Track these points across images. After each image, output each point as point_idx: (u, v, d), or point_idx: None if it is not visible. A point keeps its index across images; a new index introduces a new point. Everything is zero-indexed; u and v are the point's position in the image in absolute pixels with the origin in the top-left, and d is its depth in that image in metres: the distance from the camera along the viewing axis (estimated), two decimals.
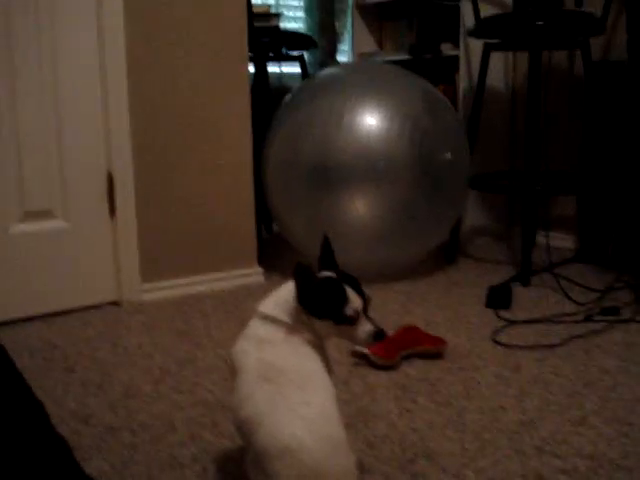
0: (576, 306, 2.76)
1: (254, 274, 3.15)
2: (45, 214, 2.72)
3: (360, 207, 2.90)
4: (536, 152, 3.18)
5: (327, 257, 1.52)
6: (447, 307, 2.81)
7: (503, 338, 2.47)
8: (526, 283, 3.07)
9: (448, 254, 3.49)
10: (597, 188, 3.42)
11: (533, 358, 2.31)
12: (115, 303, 2.87)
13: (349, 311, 1.43)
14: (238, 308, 2.81)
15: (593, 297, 2.80)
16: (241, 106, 3.04)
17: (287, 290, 1.47)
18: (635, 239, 3.03)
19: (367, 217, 2.90)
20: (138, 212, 2.86)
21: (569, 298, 2.84)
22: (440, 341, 2.33)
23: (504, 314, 2.70)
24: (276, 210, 3.21)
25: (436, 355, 2.31)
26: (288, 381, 1.39)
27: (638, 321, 2.60)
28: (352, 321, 1.44)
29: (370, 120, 2.88)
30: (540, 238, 3.45)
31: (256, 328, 1.48)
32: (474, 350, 2.38)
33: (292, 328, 1.45)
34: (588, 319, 2.63)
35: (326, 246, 1.53)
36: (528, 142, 3.19)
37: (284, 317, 1.45)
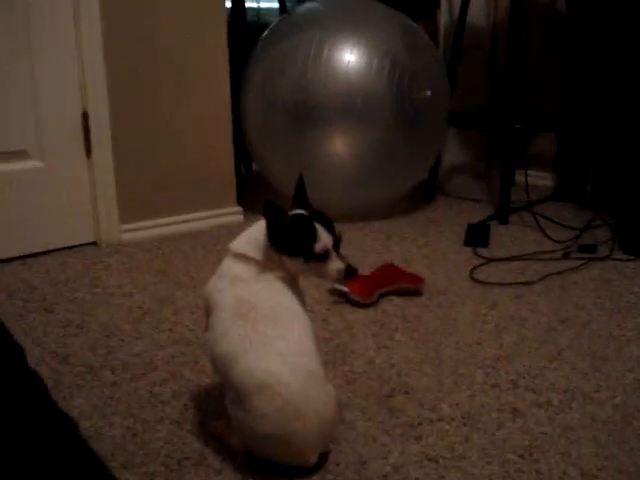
0: (554, 244, 2.78)
1: (234, 213, 3.14)
2: (20, 154, 2.67)
3: (339, 145, 2.88)
4: (516, 89, 3.16)
5: (300, 195, 1.53)
6: (425, 245, 2.82)
7: (481, 275, 2.49)
8: (504, 221, 3.09)
9: (427, 192, 3.49)
10: (577, 126, 3.41)
11: (510, 295, 2.33)
12: (94, 244, 2.86)
13: (318, 248, 1.44)
14: (217, 247, 2.80)
15: (571, 235, 2.82)
16: (218, 43, 2.99)
17: (258, 228, 1.48)
18: (613, 177, 3.04)
19: (346, 155, 2.89)
20: (115, 152, 2.82)
21: (547, 236, 2.86)
22: (418, 279, 2.35)
23: (482, 252, 2.72)
24: (255, 149, 3.19)
25: (414, 292, 2.33)
26: (263, 317, 1.41)
27: (615, 258, 2.63)
28: (322, 258, 1.44)
29: (349, 57, 2.84)
30: (519, 176, 3.44)
31: (229, 266, 1.50)
32: (452, 287, 2.40)
33: (264, 265, 1.45)
34: (565, 257, 2.65)
35: (300, 184, 1.54)
36: (508, 79, 3.16)
37: (256, 255, 1.46)
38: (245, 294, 1.44)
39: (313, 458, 1.41)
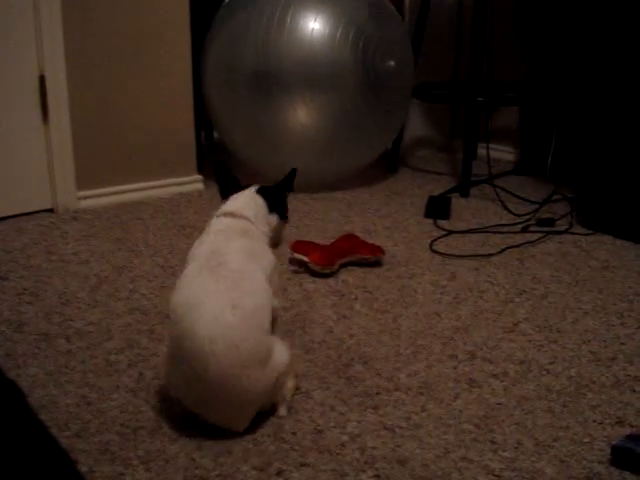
0: (513, 217, 2.80)
1: (194, 182, 3.10)
2: None
3: (302, 114, 2.86)
4: (480, 62, 3.16)
5: (287, 182, 1.72)
6: (387, 216, 2.82)
7: (441, 247, 2.50)
8: (465, 194, 3.10)
9: (390, 164, 3.48)
10: (540, 101, 3.42)
11: (469, 267, 2.34)
12: (50, 210, 2.80)
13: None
14: (177, 216, 2.77)
15: (531, 209, 2.84)
16: (180, 8, 2.93)
17: (250, 193, 1.66)
18: (574, 152, 3.06)
19: (309, 125, 2.87)
20: (72, 117, 2.76)
21: (507, 209, 2.88)
22: (378, 249, 2.35)
23: (443, 224, 2.72)
24: (216, 117, 3.15)
25: (374, 263, 2.33)
26: (227, 275, 1.45)
27: (573, 232, 2.65)
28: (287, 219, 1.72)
29: (313, 24, 2.81)
30: (481, 150, 3.45)
31: (219, 223, 1.60)
32: (412, 259, 2.40)
33: (253, 223, 1.61)
34: (524, 230, 2.67)
35: (290, 176, 1.72)
36: (473, 52, 3.16)
37: (249, 215, 1.61)
38: (222, 247, 1.52)
39: (212, 417, 1.44)
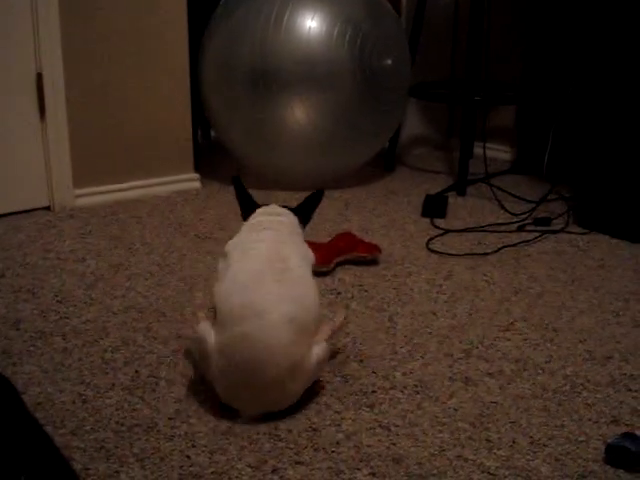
0: (510, 216, 2.80)
1: (190, 180, 3.10)
2: None
3: (299, 113, 2.86)
4: (478, 61, 3.16)
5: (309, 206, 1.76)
6: (384, 215, 2.82)
7: (437, 246, 2.50)
8: (462, 193, 3.10)
9: (387, 163, 3.48)
10: (537, 100, 3.42)
11: (465, 266, 2.35)
12: (47, 208, 2.80)
13: None
14: (173, 214, 2.77)
15: (527, 208, 2.84)
16: (177, 6, 2.93)
17: (277, 206, 1.73)
18: (571, 151, 3.06)
19: (306, 123, 2.87)
20: (70, 115, 2.76)
21: (503, 208, 2.88)
22: (375, 248, 2.35)
23: (439, 223, 2.72)
24: (213, 115, 3.15)
25: (371, 262, 2.33)
26: (293, 282, 1.52)
27: (569, 232, 2.66)
28: None
29: (310, 23, 2.81)
30: (478, 149, 3.45)
31: (264, 221, 1.66)
32: (408, 257, 2.41)
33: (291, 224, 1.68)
34: (521, 229, 2.67)
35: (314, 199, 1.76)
36: (470, 51, 3.16)
37: (289, 218, 1.69)
38: (283, 249, 1.57)
39: (239, 405, 1.50)
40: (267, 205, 1.75)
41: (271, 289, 1.49)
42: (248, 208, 1.73)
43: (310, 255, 1.66)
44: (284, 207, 1.73)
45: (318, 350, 1.53)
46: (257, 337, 1.44)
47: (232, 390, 1.50)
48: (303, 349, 1.49)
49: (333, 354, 1.73)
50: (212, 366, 1.50)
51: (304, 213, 1.74)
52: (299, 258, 1.58)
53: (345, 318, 1.80)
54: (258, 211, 1.72)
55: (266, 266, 1.52)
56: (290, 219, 1.70)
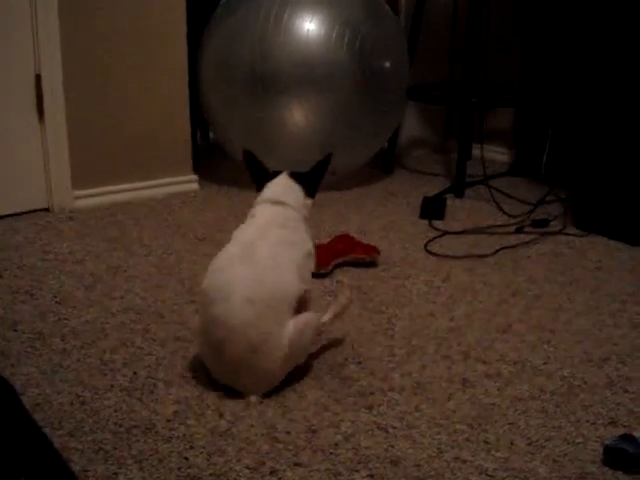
0: (508, 218, 2.81)
1: (189, 182, 3.10)
2: None
3: (298, 114, 2.86)
4: (476, 64, 3.16)
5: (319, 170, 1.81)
6: (382, 217, 2.82)
7: (435, 248, 2.50)
8: (460, 195, 3.11)
9: (385, 165, 3.49)
10: (534, 102, 3.43)
11: (463, 268, 2.35)
12: (46, 210, 2.80)
13: None
14: (172, 216, 2.77)
15: (525, 210, 2.85)
16: (176, 6, 2.93)
17: (286, 181, 1.76)
18: (569, 154, 3.07)
19: (305, 124, 2.87)
20: (69, 116, 2.76)
21: (501, 210, 2.88)
22: (373, 250, 2.36)
23: (437, 224, 2.73)
24: (212, 116, 3.15)
25: (369, 263, 2.33)
26: (256, 265, 1.59)
27: (567, 233, 2.66)
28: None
29: (309, 25, 2.82)
30: (476, 151, 3.46)
31: (262, 210, 1.72)
32: (407, 259, 2.41)
33: (294, 209, 1.73)
34: (519, 231, 2.68)
35: (324, 163, 1.81)
36: (468, 53, 3.16)
37: (290, 201, 1.73)
38: (259, 238, 1.64)
39: (224, 379, 1.60)
40: (279, 174, 1.78)
41: (236, 272, 1.59)
42: (260, 179, 1.79)
43: (304, 243, 1.71)
44: (294, 175, 1.78)
45: (291, 329, 1.58)
46: (222, 318, 1.55)
47: (215, 368, 1.62)
48: (267, 328, 1.55)
49: (319, 334, 1.77)
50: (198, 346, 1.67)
51: (310, 183, 1.79)
52: (274, 246, 1.64)
53: (349, 299, 1.82)
54: (266, 190, 1.76)
55: (238, 251, 1.63)
56: (287, 212, 1.73)
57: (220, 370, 1.61)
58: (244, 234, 1.69)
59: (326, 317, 1.75)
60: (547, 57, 3.34)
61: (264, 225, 1.69)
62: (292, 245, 1.68)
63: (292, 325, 1.58)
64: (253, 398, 1.58)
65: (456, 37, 3.75)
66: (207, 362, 1.64)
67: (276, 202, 1.73)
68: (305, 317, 1.63)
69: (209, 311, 1.58)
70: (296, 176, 1.78)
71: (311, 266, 1.73)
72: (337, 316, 1.79)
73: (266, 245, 1.63)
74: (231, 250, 1.65)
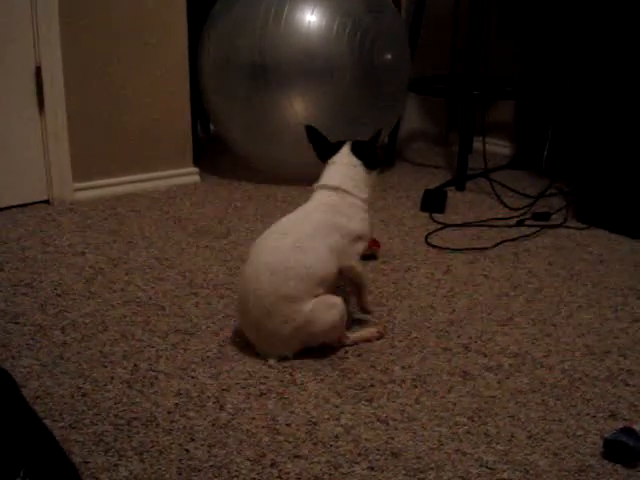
0: (509, 211, 2.80)
1: (189, 174, 3.10)
2: None
3: (298, 107, 2.86)
4: (477, 56, 3.15)
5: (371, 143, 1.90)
6: (383, 209, 2.82)
7: (436, 241, 2.50)
8: (461, 188, 3.10)
9: (386, 157, 3.48)
10: (536, 95, 3.42)
11: (464, 260, 2.35)
12: (46, 202, 2.80)
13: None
14: (173, 208, 2.77)
15: (526, 202, 2.85)
16: None
17: (343, 167, 1.85)
18: (570, 147, 3.07)
19: (305, 117, 2.85)
20: (69, 109, 2.76)
21: (502, 203, 2.88)
22: (374, 243, 2.35)
23: (438, 217, 2.72)
24: (213, 109, 3.15)
25: (369, 256, 2.33)
26: (286, 244, 1.72)
27: (568, 226, 2.66)
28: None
29: (310, 17, 2.81)
30: (477, 144, 3.45)
31: (317, 195, 1.84)
32: (407, 252, 2.41)
33: (351, 194, 1.82)
34: (520, 224, 2.67)
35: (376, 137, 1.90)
36: (469, 46, 3.16)
37: (348, 187, 1.82)
38: (298, 221, 1.80)
39: (262, 351, 1.72)
40: (343, 146, 1.87)
41: (269, 244, 1.74)
42: (325, 153, 1.88)
43: (351, 228, 1.79)
44: (355, 147, 1.86)
45: (311, 305, 1.68)
46: (249, 280, 1.71)
47: (242, 323, 1.78)
48: (284, 297, 1.67)
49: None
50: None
51: (371, 155, 1.87)
52: (314, 227, 1.76)
53: (379, 334, 1.86)
54: (325, 174, 1.86)
55: (278, 228, 1.78)
56: (340, 198, 1.81)
57: (245, 326, 1.76)
58: (292, 214, 1.82)
59: (352, 336, 1.80)
60: (548, 50, 3.33)
61: (313, 208, 1.81)
62: (335, 230, 1.76)
63: (314, 302, 1.69)
64: (271, 361, 1.70)
65: (458, 30, 3.74)
66: (238, 316, 1.82)
67: (332, 188, 1.83)
68: (331, 300, 1.72)
69: (243, 270, 1.76)
70: (357, 148, 1.86)
71: (358, 249, 1.82)
72: (361, 341, 1.82)
73: (305, 226, 1.76)
74: (274, 227, 1.79)
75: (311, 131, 1.89)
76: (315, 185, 1.86)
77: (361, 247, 1.84)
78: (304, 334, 1.70)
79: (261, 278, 1.68)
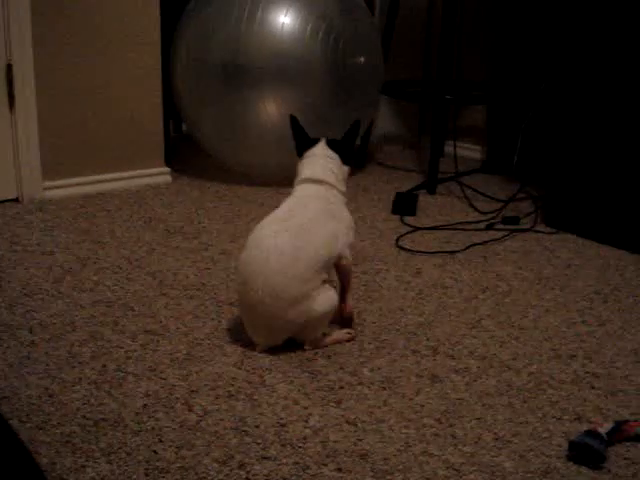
0: (479, 215, 2.82)
1: (161, 174, 3.08)
2: None
3: (271, 108, 2.86)
4: (449, 61, 3.18)
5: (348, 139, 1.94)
6: (354, 212, 2.78)
7: (406, 243, 2.52)
8: (432, 191, 3.12)
9: (358, 160, 3.49)
10: (506, 100, 3.45)
11: (434, 263, 2.36)
12: (15, 200, 2.77)
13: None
14: (143, 208, 2.76)
15: (496, 206, 2.87)
16: None
17: (323, 161, 1.88)
18: (540, 151, 3.10)
19: (278, 118, 2.86)
20: (39, 106, 2.73)
21: (473, 207, 2.90)
22: None
23: (409, 220, 2.74)
24: (185, 109, 3.13)
25: None
26: (292, 225, 1.74)
27: (537, 231, 2.69)
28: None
29: (283, 19, 2.81)
30: (449, 148, 3.48)
31: (303, 189, 1.86)
32: (378, 254, 2.42)
33: (334, 187, 1.87)
34: (489, 228, 2.70)
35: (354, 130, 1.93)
36: (442, 50, 3.18)
37: (331, 180, 1.87)
38: (299, 206, 1.81)
39: (259, 339, 1.75)
40: (318, 143, 1.90)
41: (272, 228, 1.75)
42: (301, 145, 1.92)
43: (344, 217, 1.85)
44: (330, 143, 1.91)
45: (321, 290, 1.73)
46: (251, 266, 1.71)
47: (241, 304, 1.79)
48: (290, 282, 1.68)
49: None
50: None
51: (346, 151, 1.92)
52: (315, 211, 1.79)
53: (351, 336, 1.87)
54: (305, 169, 1.88)
55: (279, 214, 1.80)
56: (327, 190, 1.85)
57: (246, 310, 1.76)
58: (285, 204, 1.83)
59: (327, 339, 1.81)
60: (518, 54, 3.36)
61: (305, 198, 1.84)
62: (332, 217, 1.81)
63: (321, 288, 1.73)
64: (258, 348, 1.75)
65: (430, 35, 3.77)
66: (239, 301, 1.81)
67: (316, 181, 1.86)
68: (330, 291, 1.77)
69: (246, 255, 1.74)
70: (333, 144, 1.91)
71: (351, 239, 1.86)
72: (332, 343, 1.82)
73: (305, 212, 1.79)
74: (272, 215, 1.80)
75: (294, 121, 1.93)
76: (298, 179, 1.88)
77: (352, 237, 1.87)
78: (304, 319, 1.72)
79: (270, 259, 1.68)
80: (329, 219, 1.80)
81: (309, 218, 1.77)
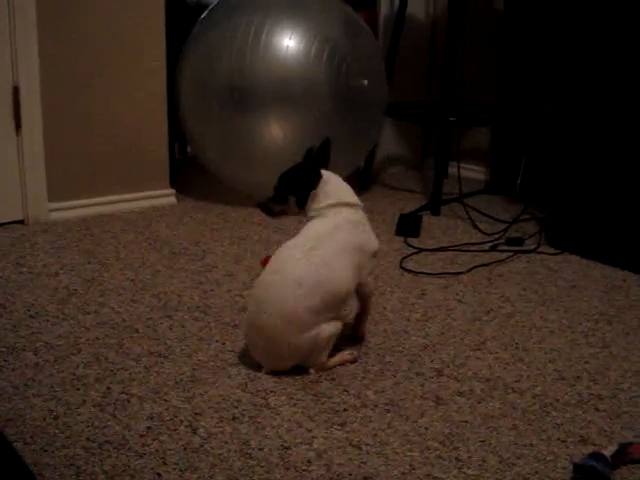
0: (483, 236, 2.83)
1: (166, 196, 3.10)
2: None
3: (275, 130, 2.87)
4: (453, 83, 3.19)
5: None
6: None
7: (410, 265, 2.52)
8: (436, 212, 3.13)
9: (362, 181, 3.50)
10: (510, 121, 3.47)
11: (438, 285, 2.37)
12: (21, 222, 2.79)
13: None
14: (148, 229, 2.77)
15: (500, 228, 2.87)
16: (155, 21, 2.94)
17: (345, 185, 1.89)
18: (544, 172, 3.10)
19: (282, 140, 2.88)
20: (46, 128, 2.76)
21: (476, 228, 2.91)
22: None
23: (413, 242, 2.75)
24: (190, 132, 3.15)
25: None
26: (315, 259, 1.73)
27: (541, 252, 2.69)
28: None
29: (288, 42, 2.83)
30: (453, 169, 3.49)
31: (340, 212, 1.82)
32: (382, 276, 2.42)
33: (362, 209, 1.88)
34: (493, 249, 2.70)
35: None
36: (445, 72, 3.20)
37: (358, 202, 1.88)
38: (326, 236, 1.78)
39: (263, 363, 1.77)
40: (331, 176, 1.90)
41: (293, 256, 1.75)
42: (313, 171, 1.89)
43: (370, 245, 1.85)
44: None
45: (327, 327, 1.73)
46: (270, 286, 1.74)
47: (248, 326, 1.79)
48: (300, 314, 1.69)
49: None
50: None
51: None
52: (336, 247, 1.77)
53: (354, 358, 1.88)
54: (332, 192, 1.85)
55: (302, 242, 1.78)
56: (358, 215, 1.85)
57: (254, 334, 1.76)
58: (313, 229, 1.81)
59: (331, 362, 1.81)
60: (522, 77, 3.38)
61: (333, 228, 1.79)
62: (360, 249, 1.81)
63: (328, 326, 1.74)
64: (264, 370, 1.76)
65: (434, 57, 3.79)
66: (248, 340, 1.81)
67: (351, 205, 1.85)
68: (333, 326, 1.76)
69: (262, 279, 1.76)
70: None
71: (373, 265, 1.88)
72: (336, 365, 1.83)
73: (332, 244, 1.77)
74: (298, 239, 1.79)
75: (325, 144, 1.92)
76: (324, 203, 1.82)
77: (375, 263, 1.90)
78: (311, 348, 1.73)
79: (287, 285, 1.70)
80: (356, 252, 1.80)
81: (334, 252, 1.76)
